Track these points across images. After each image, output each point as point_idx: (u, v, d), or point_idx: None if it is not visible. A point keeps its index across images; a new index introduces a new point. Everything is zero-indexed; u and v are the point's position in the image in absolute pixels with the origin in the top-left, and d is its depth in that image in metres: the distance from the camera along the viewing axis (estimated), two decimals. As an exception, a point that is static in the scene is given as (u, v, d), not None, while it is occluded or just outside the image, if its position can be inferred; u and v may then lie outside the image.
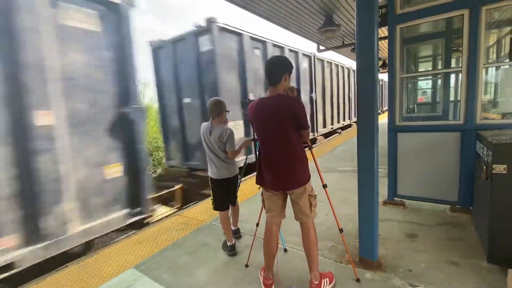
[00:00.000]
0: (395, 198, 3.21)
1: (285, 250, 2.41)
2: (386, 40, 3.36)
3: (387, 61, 3.18)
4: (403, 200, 3.20)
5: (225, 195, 2.48)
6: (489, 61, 4.10)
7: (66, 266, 2.47)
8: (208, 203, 3.82)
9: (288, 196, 1.87)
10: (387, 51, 3.09)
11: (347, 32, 7.31)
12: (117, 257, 2.54)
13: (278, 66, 1.74)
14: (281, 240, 2.41)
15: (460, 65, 2.72)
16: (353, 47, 8.16)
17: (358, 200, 2.08)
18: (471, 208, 2.78)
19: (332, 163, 5.73)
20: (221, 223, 2.51)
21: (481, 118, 2.66)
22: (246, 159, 2.99)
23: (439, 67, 5.22)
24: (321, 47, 8.41)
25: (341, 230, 2.03)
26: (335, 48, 8.59)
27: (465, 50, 2.63)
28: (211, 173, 2.45)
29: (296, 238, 2.54)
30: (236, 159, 2.52)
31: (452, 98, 4.51)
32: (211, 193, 2.50)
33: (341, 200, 3.45)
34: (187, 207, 4.18)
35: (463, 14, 2.58)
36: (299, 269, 2.15)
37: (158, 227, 3.16)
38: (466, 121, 2.69)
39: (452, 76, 4.48)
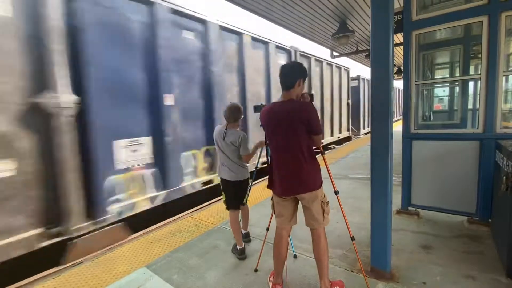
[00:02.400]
0: (409, 208, 3.13)
1: (295, 256, 2.39)
2: (401, 47, 3.32)
3: (402, 67, 3.15)
4: (417, 210, 3.11)
5: (235, 196, 2.51)
6: (510, 68, 3.97)
7: (81, 262, 2.55)
8: (218, 206, 3.85)
9: (300, 202, 1.87)
10: (402, 57, 3.05)
11: (361, 38, 7.27)
12: (129, 256, 2.60)
13: (293, 71, 1.76)
14: (291, 246, 2.39)
15: (479, 73, 2.65)
16: (367, 53, 8.10)
17: (370, 208, 2.05)
18: (489, 220, 2.67)
19: (344, 170, 5.66)
20: (231, 226, 2.52)
21: (501, 127, 2.57)
22: (257, 163, 3.00)
23: (457, 74, 5.09)
24: (335, 53, 8.40)
25: (352, 238, 2.00)
26: (349, 54, 8.55)
27: (484, 57, 2.56)
28: (222, 175, 2.49)
29: (306, 244, 2.52)
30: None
31: (470, 106, 4.38)
32: (223, 194, 2.53)
33: (353, 207, 3.40)
34: (197, 209, 4.22)
35: (482, 21, 2.53)
36: (308, 276, 2.13)
37: (170, 228, 3.21)
38: (485, 130, 2.60)
39: (471, 84, 4.36)
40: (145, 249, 2.72)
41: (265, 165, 2.09)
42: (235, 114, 2.40)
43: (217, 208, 3.78)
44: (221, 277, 2.20)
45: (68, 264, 2.86)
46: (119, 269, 2.39)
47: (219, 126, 2.49)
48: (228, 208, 2.52)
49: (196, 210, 4.25)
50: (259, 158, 2.72)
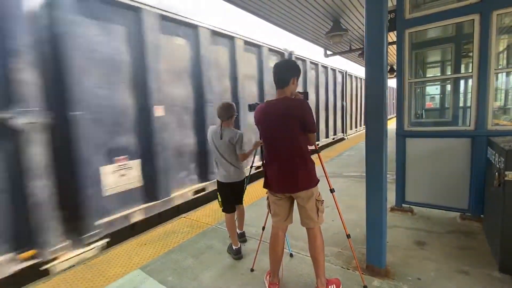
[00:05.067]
0: (403, 205, 3.16)
1: (291, 255, 2.39)
2: (394, 45, 3.35)
3: (394, 66, 3.17)
4: (411, 206, 3.15)
5: (231, 198, 2.48)
6: (500, 66, 4.05)
7: (74, 266, 2.49)
8: (212, 206, 3.82)
9: (295, 201, 1.86)
10: (394, 56, 3.07)
11: (355, 37, 7.30)
12: (123, 258, 2.55)
13: (286, 69, 1.74)
14: (287, 244, 2.38)
15: (471, 71, 2.69)
16: (360, 52, 8.15)
17: (366, 206, 2.05)
18: (482, 216, 2.72)
19: (338, 168, 5.69)
20: (226, 226, 2.50)
21: (493, 124, 2.61)
22: (251, 167, 2.82)
23: (448, 73, 5.16)
24: (328, 52, 8.42)
25: (348, 236, 2.00)
26: (342, 53, 8.59)
27: (476, 56, 2.60)
28: (219, 176, 2.45)
29: (302, 243, 2.51)
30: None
31: (461, 103, 4.45)
32: (218, 196, 2.50)
33: (347, 205, 3.41)
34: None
35: (473, 19, 2.56)
36: (305, 274, 2.12)
37: (164, 229, 3.17)
38: (477, 127, 2.64)
39: (462, 82, 4.43)
40: (139, 251, 2.67)
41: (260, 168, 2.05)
42: (228, 111, 2.36)
43: (212, 208, 3.75)
44: (216, 277, 2.18)
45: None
46: (112, 271, 2.34)
47: (213, 126, 2.45)
48: (223, 210, 2.49)
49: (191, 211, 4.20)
50: (254, 157, 2.67)
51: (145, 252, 2.63)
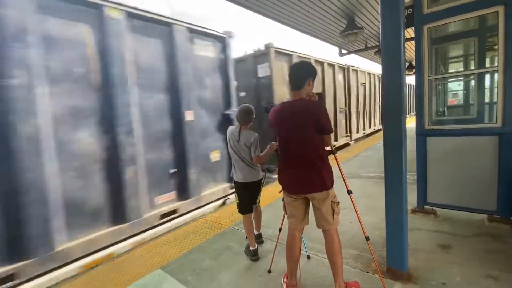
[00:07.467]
0: (425, 206, 3.05)
1: (308, 257, 2.37)
2: (412, 41, 3.25)
3: (413, 62, 3.08)
4: (434, 208, 3.03)
5: (249, 198, 2.51)
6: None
7: (98, 265, 2.61)
8: (229, 208, 3.87)
9: (311, 202, 1.85)
10: (413, 52, 2.98)
11: (370, 35, 7.15)
12: (145, 258, 2.64)
13: (302, 71, 1.75)
14: (304, 246, 2.37)
15: (496, 64, 2.56)
16: (376, 49, 7.95)
17: (385, 207, 2.01)
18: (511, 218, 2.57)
19: (355, 168, 5.57)
20: (244, 227, 2.53)
21: (522, 120, 2.47)
22: (265, 174, 2.74)
23: (472, 67, 4.92)
24: (343, 51, 8.29)
25: (367, 238, 1.96)
26: (358, 51, 8.42)
27: (501, 48, 2.47)
28: (236, 177, 2.50)
29: (319, 245, 2.49)
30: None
31: (487, 99, 4.23)
32: (236, 197, 2.54)
33: (366, 207, 3.33)
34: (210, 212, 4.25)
35: (497, 11, 2.44)
36: (323, 276, 2.10)
37: (183, 230, 3.25)
38: (505, 124, 2.51)
39: (487, 76, 4.21)
40: (160, 251, 2.75)
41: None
42: (247, 116, 2.40)
43: (229, 210, 3.80)
44: (234, 278, 2.21)
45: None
46: (135, 270, 2.43)
47: (232, 127, 2.50)
48: (240, 211, 2.53)
49: (208, 212, 4.28)
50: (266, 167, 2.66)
51: (165, 252, 2.71)
